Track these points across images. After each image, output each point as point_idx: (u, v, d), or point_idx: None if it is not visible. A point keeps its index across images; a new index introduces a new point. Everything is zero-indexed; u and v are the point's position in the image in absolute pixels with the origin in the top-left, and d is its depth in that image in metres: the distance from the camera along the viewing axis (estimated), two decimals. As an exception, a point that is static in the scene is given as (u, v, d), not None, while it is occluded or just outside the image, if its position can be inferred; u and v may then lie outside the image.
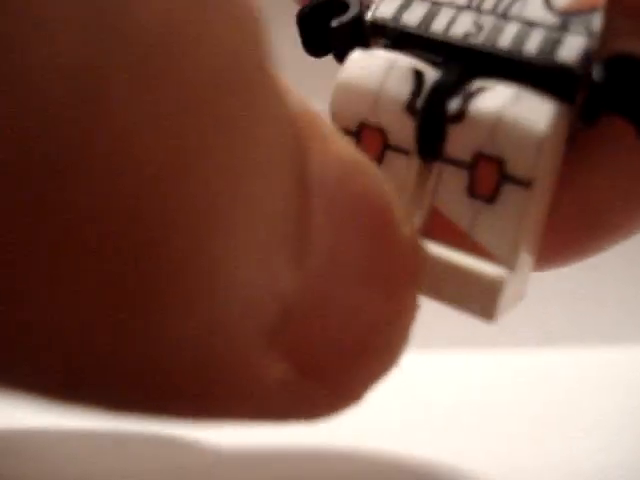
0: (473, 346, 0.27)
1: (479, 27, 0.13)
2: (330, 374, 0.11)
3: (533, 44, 0.13)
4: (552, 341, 0.30)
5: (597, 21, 0.13)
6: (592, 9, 0.13)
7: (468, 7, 0.14)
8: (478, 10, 0.14)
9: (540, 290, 0.30)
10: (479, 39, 0.13)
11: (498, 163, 0.12)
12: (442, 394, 0.25)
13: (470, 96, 0.13)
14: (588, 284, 0.31)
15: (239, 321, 0.09)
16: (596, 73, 0.13)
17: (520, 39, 0.13)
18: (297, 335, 0.10)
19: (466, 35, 0.13)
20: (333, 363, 0.11)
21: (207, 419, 0.10)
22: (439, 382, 0.26)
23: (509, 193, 0.12)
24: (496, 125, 0.12)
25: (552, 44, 0.13)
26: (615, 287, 0.31)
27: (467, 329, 0.28)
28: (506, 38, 0.13)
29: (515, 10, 0.13)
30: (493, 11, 0.13)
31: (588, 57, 0.13)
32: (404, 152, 0.14)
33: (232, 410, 0.10)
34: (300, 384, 0.11)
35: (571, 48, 0.13)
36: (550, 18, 0.13)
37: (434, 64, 0.14)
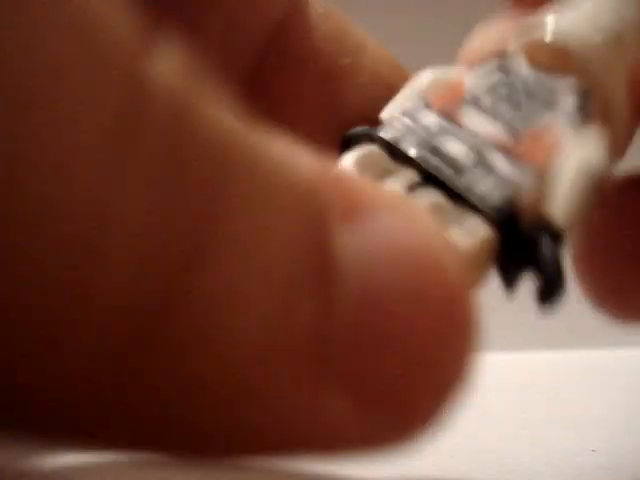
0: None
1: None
2: (391, 400, 0.11)
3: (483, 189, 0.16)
4: (553, 342, 0.30)
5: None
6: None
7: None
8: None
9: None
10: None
11: None
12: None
13: None
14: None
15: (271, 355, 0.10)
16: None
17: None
18: (349, 365, 0.10)
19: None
20: (392, 387, 0.11)
21: (275, 454, 0.10)
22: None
23: None
24: None
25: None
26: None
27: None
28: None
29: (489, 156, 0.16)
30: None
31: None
32: None
33: (297, 445, 0.10)
34: (363, 416, 0.10)
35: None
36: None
37: None
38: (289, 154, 0.10)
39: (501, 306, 0.27)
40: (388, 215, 0.11)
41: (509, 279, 0.16)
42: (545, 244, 0.15)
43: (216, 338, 0.09)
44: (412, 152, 0.16)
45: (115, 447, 0.10)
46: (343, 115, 0.18)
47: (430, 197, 0.16)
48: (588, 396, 0.26)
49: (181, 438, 0.10)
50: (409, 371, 0.11)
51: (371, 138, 0.17)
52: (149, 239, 0.09)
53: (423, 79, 0.18)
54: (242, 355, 0.09)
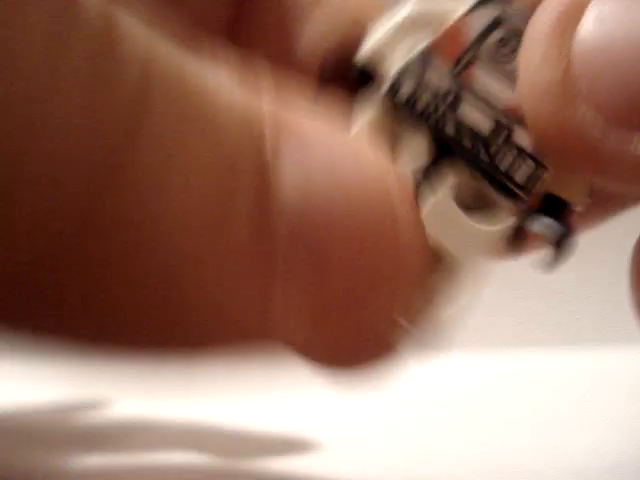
0: (475, 347, 0.27)
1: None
2: (345, 319, 0.11)
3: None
4: (555, 342, 0.30)
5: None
6: None
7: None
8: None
9: (541, 291, 0.30)
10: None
11: None
12: (443, 394, 0.25)
13: None
14: (589, 284, 0.31)
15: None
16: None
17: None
18: (293, 272, 0.11)
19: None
20: (335, 303, 0.11)
21: (215, 351, 0.11)
22: (441, 382, 0.26)
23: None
24: None
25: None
26: (615, 287, 0.31)
27: (470, 330, 0.28)
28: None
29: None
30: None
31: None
32: None
33: (245, 341, 0.11)
34: (319, 343, 0.11)
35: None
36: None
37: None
38: (224, 78, 0.11)
39: (501, 304, 0.27)
40: (330, 144, 0.11)
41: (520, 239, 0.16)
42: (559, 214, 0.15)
43: (148, 230, 0.10)
44: (449, 130, 0.15)
45: (57, 336, 0.10)
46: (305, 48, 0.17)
47: (454, 174, 0.15)
48: (589, 395, 0.26)
49: (116, 325, 0.10)
50: (354, 290, 0.11)
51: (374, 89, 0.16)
52: (80, 129, 0.09)
53: (410, 15, 0.16)
54: (177, 246, 0.10)
